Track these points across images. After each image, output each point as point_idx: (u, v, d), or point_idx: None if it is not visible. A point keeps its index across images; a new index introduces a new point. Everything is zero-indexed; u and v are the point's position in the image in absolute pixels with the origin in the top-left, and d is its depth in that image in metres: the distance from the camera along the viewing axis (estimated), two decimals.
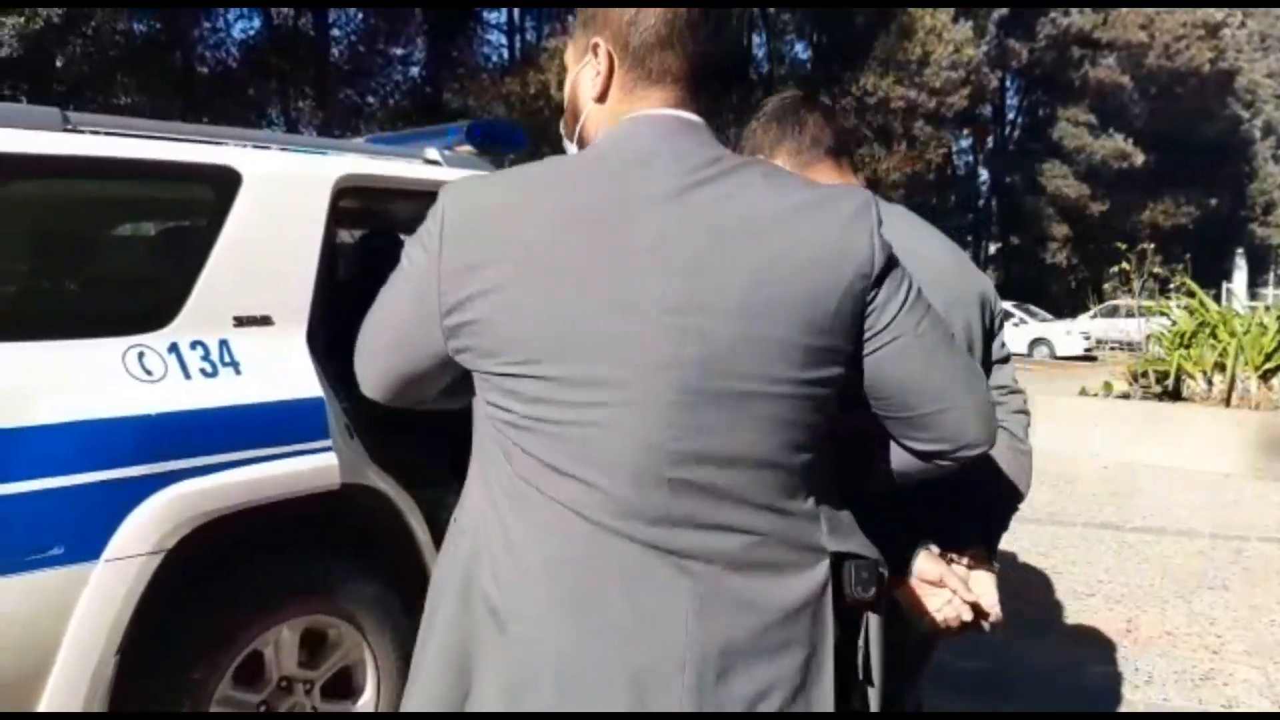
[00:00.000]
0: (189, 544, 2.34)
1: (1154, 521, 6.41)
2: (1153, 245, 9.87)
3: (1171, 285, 9.53)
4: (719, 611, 1.10)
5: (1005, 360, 1.90)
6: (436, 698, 1.20)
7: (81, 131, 2.51)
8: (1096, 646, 4.16)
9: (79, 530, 2.18)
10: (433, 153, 3.43)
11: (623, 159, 1.18)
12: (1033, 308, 26.67)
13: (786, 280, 1.11)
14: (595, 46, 1.26)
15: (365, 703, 2.73)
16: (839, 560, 1.19)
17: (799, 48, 33.49)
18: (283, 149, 2.99)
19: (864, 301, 1.15)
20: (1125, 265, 9.49)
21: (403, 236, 3.38)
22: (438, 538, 1.66)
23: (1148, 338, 9.52)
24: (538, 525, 1.14)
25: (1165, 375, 8.91)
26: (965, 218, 40.16)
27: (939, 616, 1.63)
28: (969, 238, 41.14)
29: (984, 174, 41.58)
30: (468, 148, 3.58)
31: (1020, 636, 4.25)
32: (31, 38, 16.96)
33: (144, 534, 2.25)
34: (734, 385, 1.10)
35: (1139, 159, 33.57)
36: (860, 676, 1.24)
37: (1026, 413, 1.93)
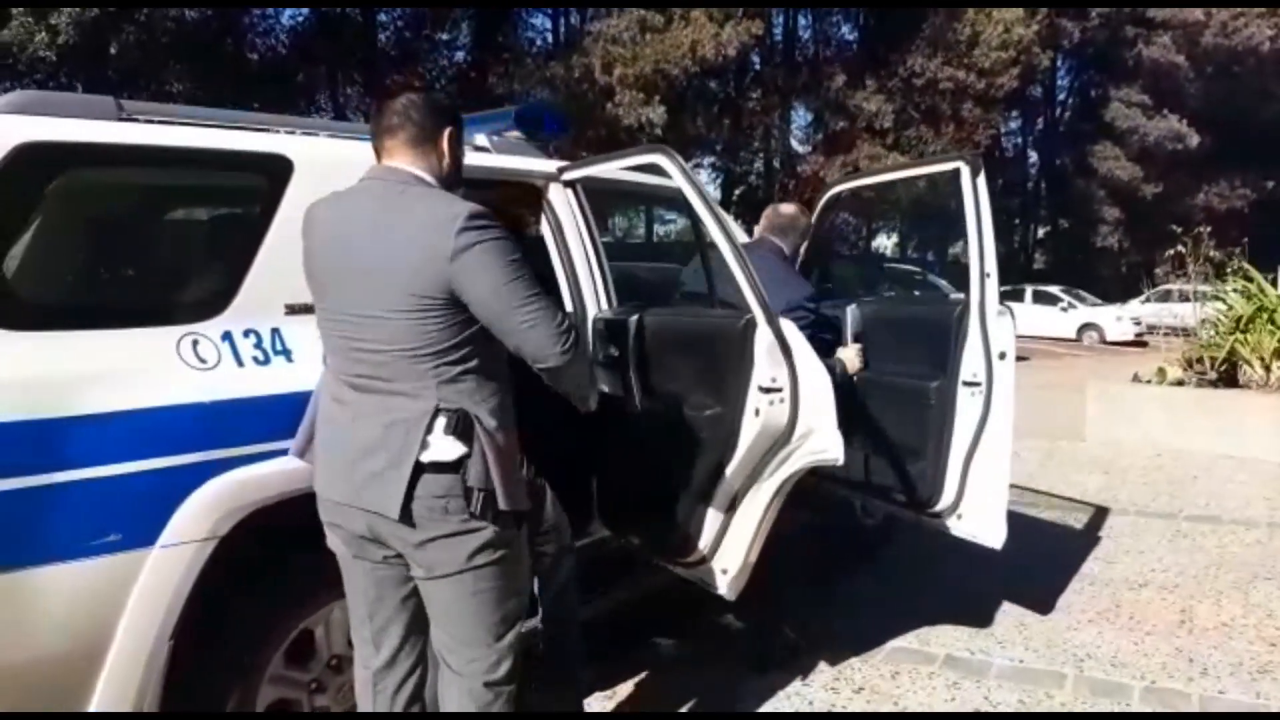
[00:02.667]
0: (242, 528, 2.37)
1: (1209, 510, 6.29)
2: (1208, 229, 9.61)
3: (1228, 270, 9.28)
4: (361, 420, 2.08)
5: None
6: (302, 436, 2.33)
7: (135, 120, 2.54)
8: (1150, 637, 4.10)
9: (135, 517, 2.22)
10: (481, 139, 3.43)
11: (360, 192, 2.14)
12: (1082, 292, 26.20)
13: (401, 256, 1.99)
14: None
15: None
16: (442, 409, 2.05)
17: (845, 29, 33.08)
18: (333, 136, 3.01)
19: (448, 272, 1.97)
20: (1181, 249, 9.26)
21: None
22: None
23: (1202, 323, 9.31)
24: (326, 372, 2.21)
25: (1220, 361, 8.72)
26: (1013, 200, 39.49)
27: None
28: (1016, 221, 40.50)
29: (1033, 156, 40.82)
30: (516, 133, 3.58)
31: (1072, 627, 4.21)
32: (86, 25, 17.21)
33: (199, 520, 2.29)
34: (373, 312, 2.03)
35: (1194, 140, 32.72)
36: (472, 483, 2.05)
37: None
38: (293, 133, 2.86)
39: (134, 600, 2.21)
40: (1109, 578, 4.87)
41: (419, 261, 1.98)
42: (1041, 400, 11.73)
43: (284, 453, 2.37)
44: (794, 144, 32.46)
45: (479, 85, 24.64)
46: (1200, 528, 5.86)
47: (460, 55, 27.54)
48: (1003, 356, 3.33)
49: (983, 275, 3.39)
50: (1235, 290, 9.00)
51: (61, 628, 2.14)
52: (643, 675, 3.67)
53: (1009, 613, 4.35)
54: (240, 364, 2.46)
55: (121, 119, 2.51)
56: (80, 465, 2.14)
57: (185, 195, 3.18)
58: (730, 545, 3.00)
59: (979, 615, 4.30)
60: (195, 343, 2.40)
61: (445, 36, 27.21)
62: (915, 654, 3.90)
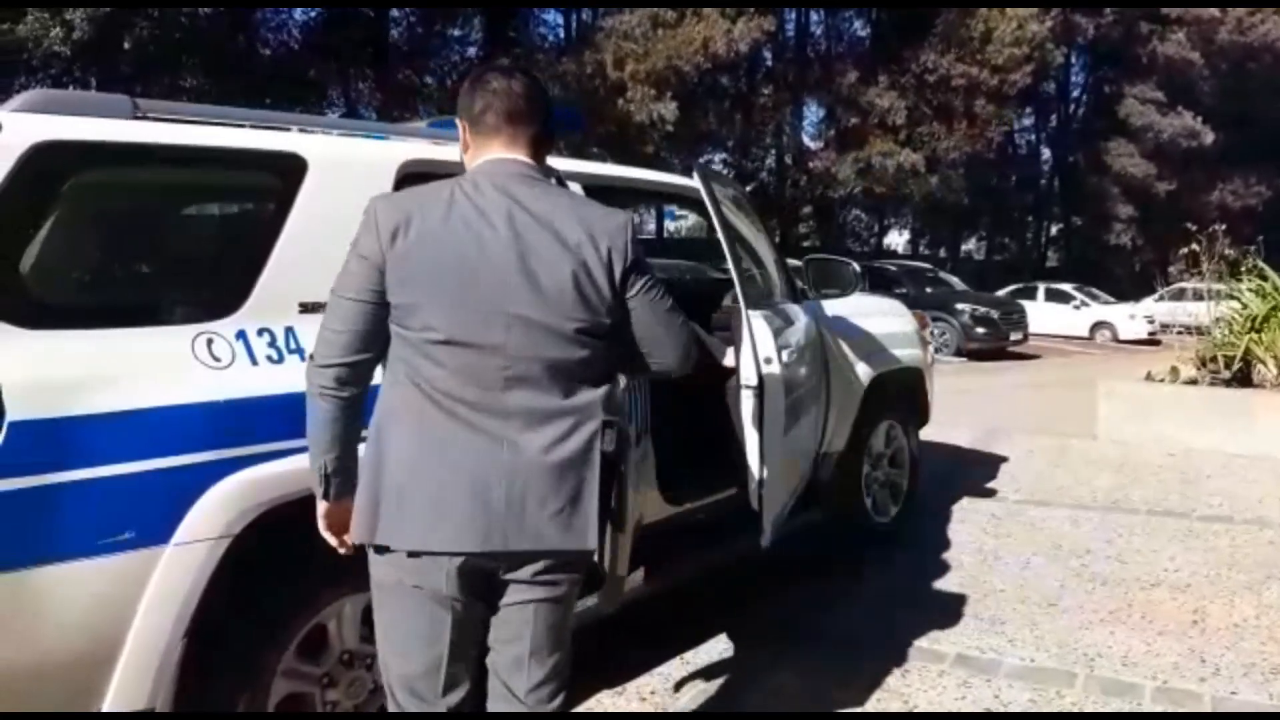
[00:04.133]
0: (255, 525, 2.38)
1: (1222, 510, 6.27)
2: (1223, 227, 9.55)
3: (1242, 268, 9.22)
4: (524, 458, 1.83)
5: None
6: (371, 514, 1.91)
7: (151, 119, 2.55)
8: (1162, 637, 4.09)
9: (149, 515, 2.23)
10: None
11: (487, 187, 1.89)
12: (1095, 290, 26.09)
13: (577, 261, 1.84)
14: (461, 124, 2.03)
15: None
16: (606, 424, 1.89)
17: (858, 25, 33.00)
18: (347, 134, 3.02)
19: (622, 281, 1.88)
20: (1195, 247, 9.22)
21: None
22: None
23: (1216, 321, 9.26)
24: (415, 399, 1.90)
25: (1234, 360, 8.68)
26: (1026, 198, 39.38)
27: None
28: (1029, 218, 40.38)
29: (1046, 153, 40.65)
30: None
31: (1084, 626, 4.20)
32: (100, 21, 17.29)
33: (212, 519, 2.29)
34: (540, 319, 1.82)
35: (1208, 137, 32.58)
36: (612, 504, 1.94)
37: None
38: (307, 131, 2.87)
39: (148, 598, 2.22)
40: (1120, 577, 4.86)
41: (598, 268, 1.85)
42: (1053, 398, 11.72)
43: (297, 451, 2.38)
44: (806, 140, 32.49)
45: None
46: (1213, 527, 5.84)
47: (472, 51, 27.56)
48: (769, 361, 3.32)
49: (742, 279, 3.34)
50: (1250, 289, 8.96)
51: (75, 626, 2.15)
52: (646, 674, 3.68)
53: (1020, 612, 4.34)
54: (254, 363, 2.46)
55: (137, 118, 2.52)
56: (94, 464, 2.14)
57: (200, 194, 3.19)
58: None
59: (989, 614, 4.29)
60: (210, 341, 2.40)
61: (457, 32, 27.28)
62: (925, 652, 3.89)
